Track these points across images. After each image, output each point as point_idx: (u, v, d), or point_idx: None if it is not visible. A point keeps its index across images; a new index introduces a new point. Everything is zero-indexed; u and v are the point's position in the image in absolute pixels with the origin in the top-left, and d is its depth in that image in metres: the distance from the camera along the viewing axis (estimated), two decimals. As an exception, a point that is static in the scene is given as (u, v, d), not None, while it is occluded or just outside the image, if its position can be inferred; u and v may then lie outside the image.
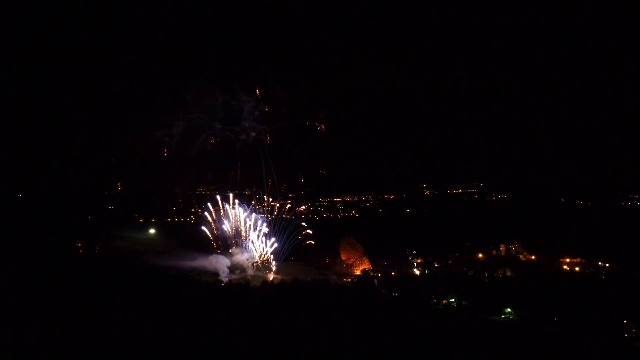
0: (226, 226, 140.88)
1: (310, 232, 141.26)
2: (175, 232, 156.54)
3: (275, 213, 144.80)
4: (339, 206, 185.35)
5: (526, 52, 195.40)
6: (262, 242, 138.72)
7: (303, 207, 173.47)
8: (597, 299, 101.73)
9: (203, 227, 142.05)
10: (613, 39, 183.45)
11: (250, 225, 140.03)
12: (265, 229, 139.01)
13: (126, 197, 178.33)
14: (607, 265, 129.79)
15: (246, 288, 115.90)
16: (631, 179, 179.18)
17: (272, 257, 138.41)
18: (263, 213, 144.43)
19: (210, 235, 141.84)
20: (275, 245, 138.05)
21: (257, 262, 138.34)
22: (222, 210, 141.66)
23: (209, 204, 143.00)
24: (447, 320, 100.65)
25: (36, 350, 68.10)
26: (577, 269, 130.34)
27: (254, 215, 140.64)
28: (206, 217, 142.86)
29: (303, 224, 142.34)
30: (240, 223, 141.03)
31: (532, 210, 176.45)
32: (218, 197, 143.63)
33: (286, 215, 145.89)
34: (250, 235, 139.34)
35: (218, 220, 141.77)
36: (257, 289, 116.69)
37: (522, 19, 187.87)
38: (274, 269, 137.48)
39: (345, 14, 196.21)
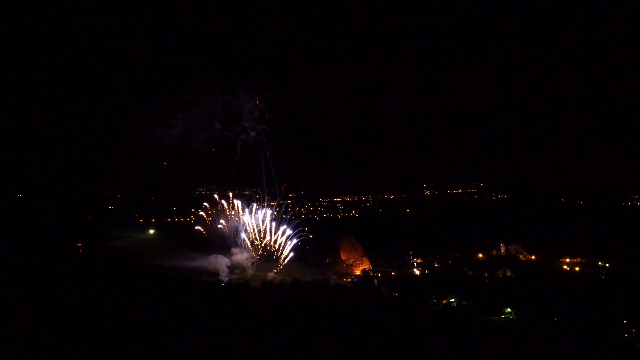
0: (224, 226, 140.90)
1: (311, 236, 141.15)
2: (175, 232, 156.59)
3: (275, 213, 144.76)
4: (339, 206, 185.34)
5: (526, 52, 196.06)
6: (270, 233, 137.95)
7: (303, 210, 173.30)
8: (597, 299, 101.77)
9: (200, 227, 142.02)
10: (613, 38, 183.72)
11: (250, 222, 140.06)
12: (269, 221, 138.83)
13: (126, 197, 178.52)
14: (607, 265, 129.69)
15: (246, 288, 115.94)
16: (631, 179, 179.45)
17: (285, 245, 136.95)
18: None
19: (208, 235, 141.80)
20: (289, 232, 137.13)
21: (257, 260, 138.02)
22: (221, 210, 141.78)
23: (206, 204, 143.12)
24: (447, 320, 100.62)
25: (36, 350, 68.04)
26: (577, 269, 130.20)
27: (254, 205, 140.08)
28: (205, 217, 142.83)
29: (306, 228, 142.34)
30: (240, 221, 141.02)
31: (532, 210, 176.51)
32: (217, 196, 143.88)
33: (286, 215, 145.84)
34: (251, 233, 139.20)
35: (217, 220, 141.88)
36: (257, 289, 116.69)
37: (521, 19, 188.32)
38: (283, 260, 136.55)
39: (344, 14, 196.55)
